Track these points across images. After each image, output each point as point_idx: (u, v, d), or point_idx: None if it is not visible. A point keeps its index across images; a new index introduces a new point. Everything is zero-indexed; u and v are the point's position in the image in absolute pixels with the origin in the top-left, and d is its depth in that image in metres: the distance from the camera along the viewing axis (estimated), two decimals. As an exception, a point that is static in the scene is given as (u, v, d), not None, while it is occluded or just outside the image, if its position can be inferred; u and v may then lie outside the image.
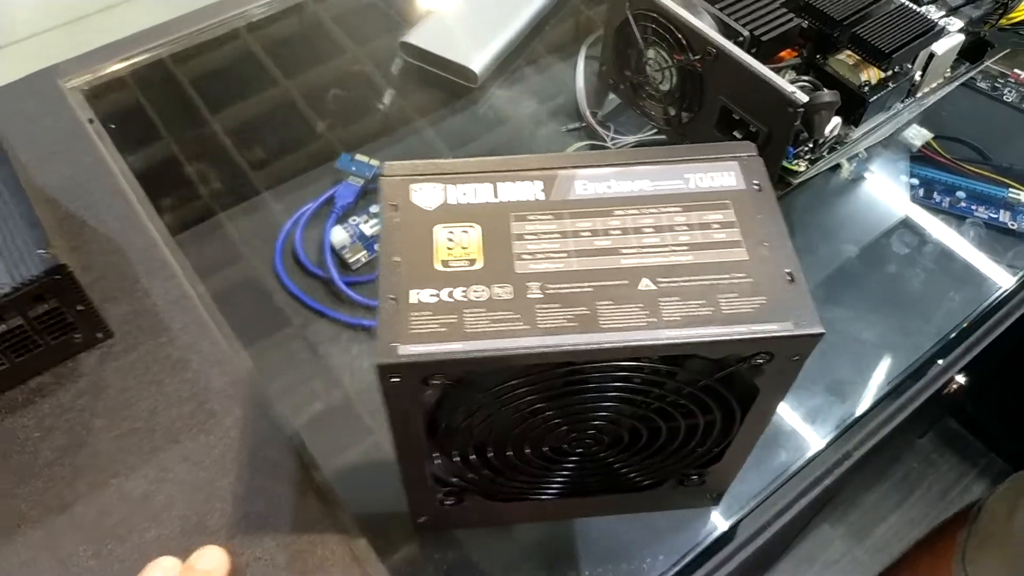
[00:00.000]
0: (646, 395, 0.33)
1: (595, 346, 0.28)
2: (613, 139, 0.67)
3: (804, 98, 0.49)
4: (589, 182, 0.32)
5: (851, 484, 1.30)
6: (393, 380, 0.30)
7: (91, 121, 0.62)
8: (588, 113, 0.68)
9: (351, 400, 0.54)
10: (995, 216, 0.67)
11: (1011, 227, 0.66)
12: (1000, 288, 0.61)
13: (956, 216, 0.66)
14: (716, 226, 0.31)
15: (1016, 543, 0.80)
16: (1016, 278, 0.62)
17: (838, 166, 0.67)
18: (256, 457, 0.48)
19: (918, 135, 0.70)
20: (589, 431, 0.36)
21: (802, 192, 0.64)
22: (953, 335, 0.59)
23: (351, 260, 0.60)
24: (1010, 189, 0.68)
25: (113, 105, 0.66)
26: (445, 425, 0.34)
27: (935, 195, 0.68)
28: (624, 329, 0.28)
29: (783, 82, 0.50)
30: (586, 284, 0.29)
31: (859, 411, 0.53)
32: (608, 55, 0.62)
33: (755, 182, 0.32)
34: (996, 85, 0.75)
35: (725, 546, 0.48)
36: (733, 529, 0.49)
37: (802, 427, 0.53)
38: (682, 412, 0.34)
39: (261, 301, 0.58)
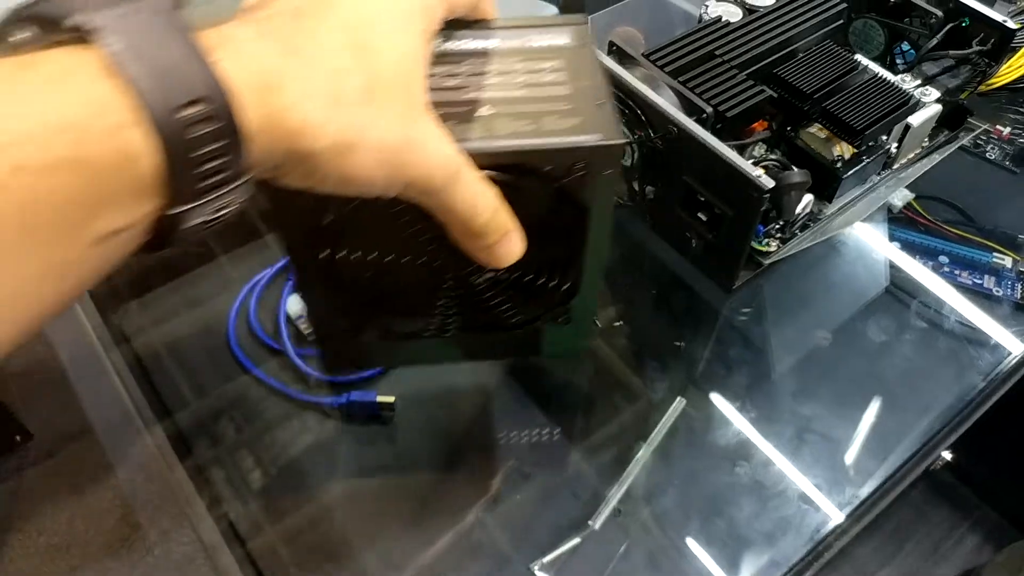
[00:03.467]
0: None
1: None
2: None
3: (769, 183, 0.46)
4: (450, 42, 0.38)
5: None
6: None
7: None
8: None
9: (304, 486, 0.50)
10: (979, 282, 0.64)
11: (996, 293, 0.63)
12: (987, 363, 0.58)
13: (939, 282, 0.63)
14: (547, 71, 0.37)
15: None
16: (1012, 348, 0.58)
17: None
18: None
19: (899, 196, 0.67)
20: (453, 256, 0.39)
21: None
22: (940, 420, 0.55)
23: (307, 332, 0.57)
24: (995, 253, 0.65)
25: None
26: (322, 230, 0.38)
27: (918, 259, 0.65)
28: (463, 140, 0.33)
29: (747, 166, 0.47)
30: (436, 111, 0.34)
31: (833, 522, 0.50)
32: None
33: (581, 41, 0.39)
34: (979, 142, 0.73)
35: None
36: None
37: (771, 544, 0.49)
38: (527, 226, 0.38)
39: (209, 383, 0.54)
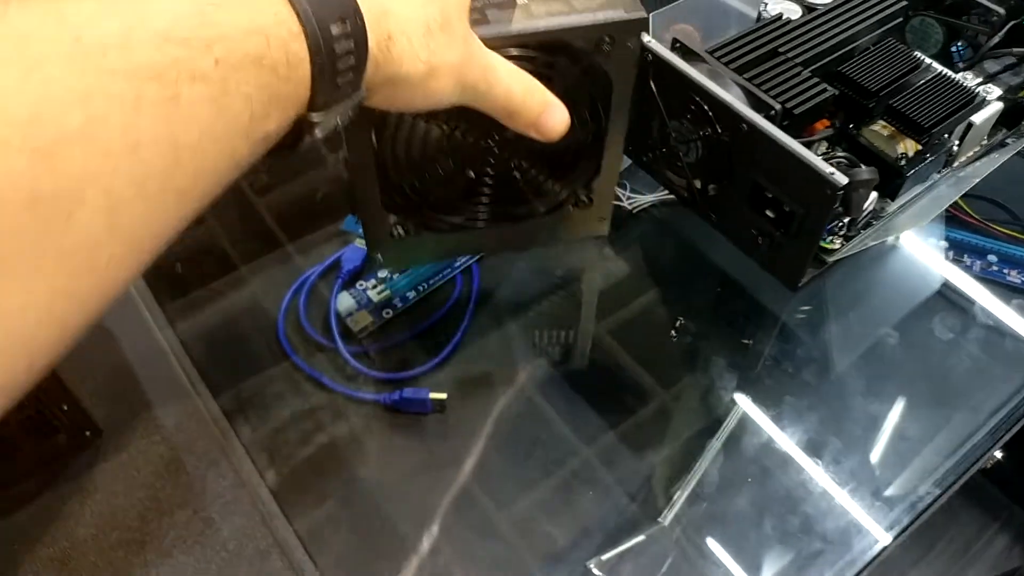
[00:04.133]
0: None
1: (486, 35, 0.38)
2: (630, 199, 0.64)
3: (843, 180, 0.46)
4: None
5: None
6: None
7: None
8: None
9: (358, 483, 0.50)
10: (1029, 280, 0.63)
11: (1046, 292, 0.63)
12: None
13: (988, 281, 0.63)
14: None
15: None
16: None
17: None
18: (258, 573, 0.44)
19: (945, 194, 0.67)
20: (491, 134, 0.47)
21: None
22: (997, 419, 0.55)
23: (357, 328, 0.57)
24: (1044, 253, 0.65)
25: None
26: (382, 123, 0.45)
27: (966, 257, 0.64)
28: (507, 22, 0.40)
29: (821, 162, 0.46)
30: (478, 3, 0.40)
31: (907, 518, 0.49)
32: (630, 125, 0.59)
33: None
34: (1025, 141, 0.72)
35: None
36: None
37: (847, 537, 0.49)
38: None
39: (265, 379, 0.54)
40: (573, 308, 0.60)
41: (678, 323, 0.57)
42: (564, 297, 0.60)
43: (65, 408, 0.46)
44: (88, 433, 0.48)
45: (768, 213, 0.51)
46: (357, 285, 0.59)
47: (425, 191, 0.49)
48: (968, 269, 0.64)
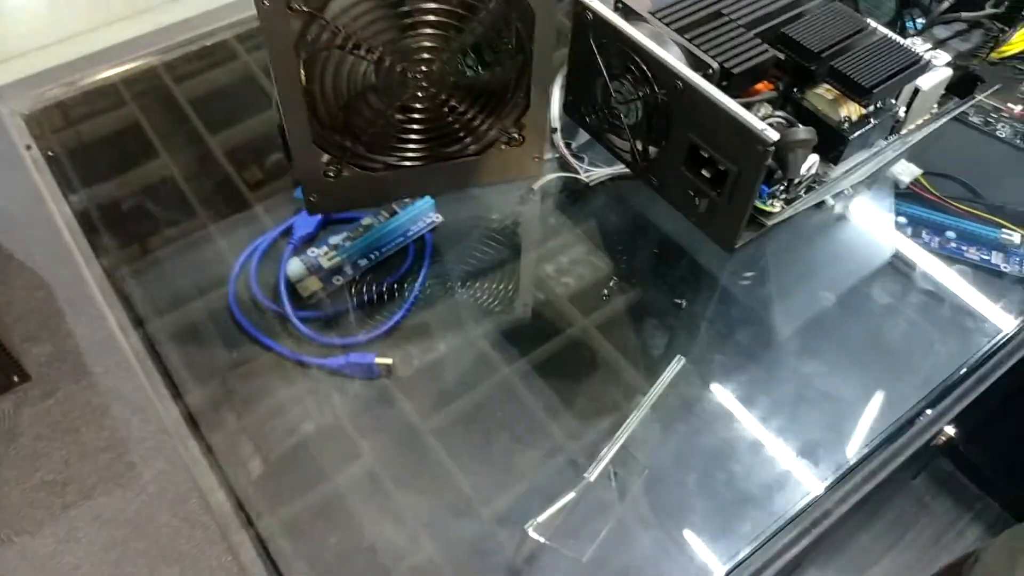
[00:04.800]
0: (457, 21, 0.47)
1: None
2: (587, 171, 0.64)
3: (774, 136, 0.45)
4: None
5: (839, 531, 1.25)
6: (263, 3, 0.42)
7: (28, 148, 0.58)
8: (562, 145, 0.65)
9: (301, 444, 0.50)
10: (987, 258, 0.63)
11: (1003, 269, 0.62)
12: (990, 337, 0.57)
13: (946, 257, 0.62)
14: None
15: None
16: (1014, 324, 0.58)
17: (822, 202, 0.63)
18: (176, 516, 0.44)
19: (906, 171, 0.67)
20: (419, 65, 0.48)
21: (782, 230, 0.61)
22: (940, 389, 0.55)
23: (307, 294, 0.57)
24: (1003, 230, 0.64)
25: (55, 131, 0.63)
26: (310, 59, 0.46)
27: (924, 234, 0.64)
28: None
29: (753, 119, 0.46)
30: None
31: (833, 476, 0.49)
32: (573, 85, 0.59)
33: None
34: (989, 120, 0.72)
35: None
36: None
37: (773, 491, 0.49)
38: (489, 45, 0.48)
39: (208, 338, 0.54)
40: (522, 278, 0.60)
41: (611, 283, 0.57)
42: (514, 267, 0.60)
43: (-9, 351, 0.46)
44: (16, 378, 0.48)
45: (704, 173, 0.51)
46: (308, 252, 0.59)
47: (355, 128, 0.50)
48: (926, 245, 0.63)
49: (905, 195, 0.66)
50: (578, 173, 0.63)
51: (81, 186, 0.60)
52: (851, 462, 0.50)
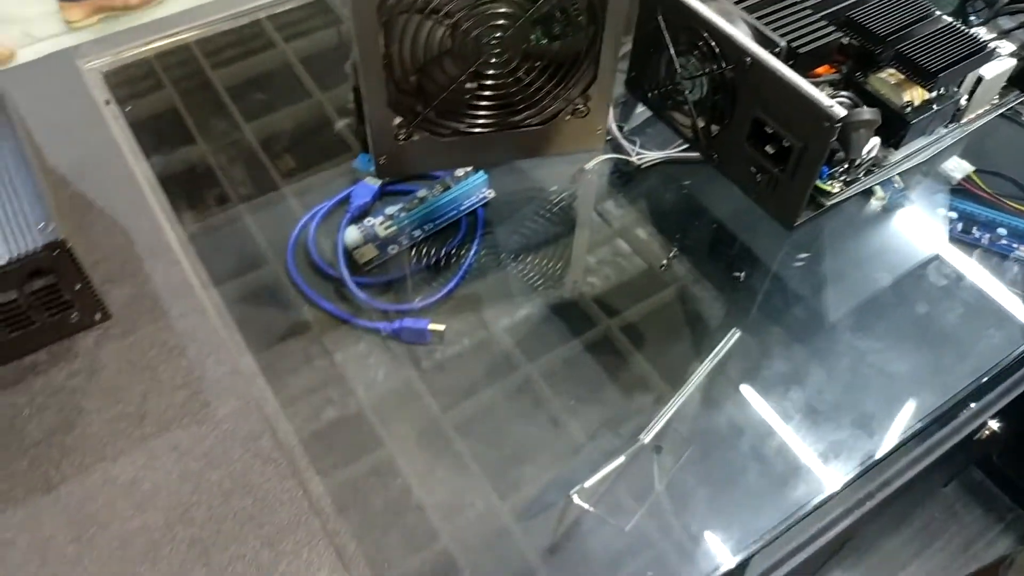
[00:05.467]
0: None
1: None
2: (639, 154, 0.65)
3: (841, 112, 0.46)
4: None
5: (869, 529, 1.25)
6: None
7: (107, 103, 0.61)
8: (615, 126, 0.66)
9: (358, 405, 0.51)
10: (1038, 255, 0.63)
11: (1053, 268, 0.62)
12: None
13: (996, 253, 0.63)
14: None
15: None
16: None
17: (871, 192, 0.64)
18: (248, 452, 0.46)
19: (958, 168, 0.67)
20: (493, 32, 0.49)
21: (834, 217, 0.61)
22: (987, 377, 0.55)
23: (363, 261, 0.58)
24: (1053, 227, 0.65)
25: (132, 89, 0.65)
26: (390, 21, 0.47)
27: (975, 230, 0.64)
28: None
29: (821, 95, 0.47)
30: None
31: (883, 450, 0.50)
32: (637, 62, 0.60)
33: None
34: (1045, 119, 0.72)
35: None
36: (743, 566, 0.46)
37: (822, 463, 0.50)
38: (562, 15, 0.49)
39: (269, 296, 0.56)
40: (573, 254, 0.62)
41: (672, 253, 0.58)
42: (564, 244, 0.61)
43: (78, 288, 0.48)
44: (98, 316, 0.50)
45: (767, 149, 0.52)
46: (365, 221, 0.61)
47: (428, 92, 0.51)
48: (976, 241, 0.64)
49: (957, 191, 0.66)
50: (629, 155, 0.65)
51: (156, 143, 0.62)
52: (902, 437, 0.50)
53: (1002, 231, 0.65)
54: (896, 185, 0.65)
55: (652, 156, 0.65)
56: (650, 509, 0.47)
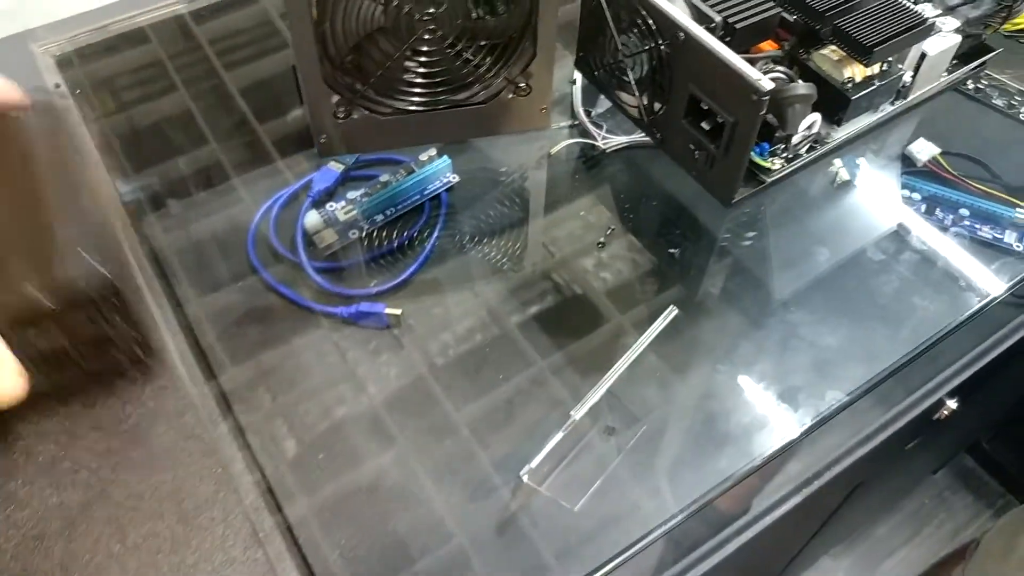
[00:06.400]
0: None
1: None
2: (604, 139, 0.65)
3: (768, 85, 0.46)
4: None
5: (857, 514, 1.25)
6: None
7: (57, 86, 0.61)
8: (581, 111, 0.66)
9: (308, 386, 0.52)
10: (999, 236, 0.63)
11: (1016, 248, 0.62)
12: (999, 313, 0.57)
13: (959, 235, 0.62)
14: None
15: None
16: (1006, 289, 0.58)
17: (831, 171, 0.63)
18: (172, 429, 0.46)
19: (924, 149, 0.67)
20: (427, 7, 0.49)
21: (787, 193, 0.61)
22: (927, 347, 0.55)
23: (322, 245, 0.59)
24: (1017, 209, 0.64)
25: (85, 73, 0.66)
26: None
27: (938, 211, 0.64)
28: None
29: (749, 68, 0.47)
30: None
31: (808, 421, 0.50)
32: (584, 41, 0.60)
33: None
34: (1013, 103, 0.72)
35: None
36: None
37: (760, 433, 0.50)
38: None
39: (227, 282, 0.56)
40: (531, 238, 0.61)
41: (608, 231, 0.58)
42: (524, 228, 0.61)
43: None
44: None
45: (703, 125, 0.52)
46: (327, 206, 0.61)
47: (365, 69, 0.51)
48: (939, 223, 0.63)
49: (921, 173, 0.66)
50: (595, 139, 0.65)
51: (106, 127, 0.63)
52: (823, 411, 0.50)
53: (964, 212, 0.64)
54: (857, 164, 0.65)
55: (618, 141, 0.65)
56: (602, 487, 0.47)
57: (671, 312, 0.54)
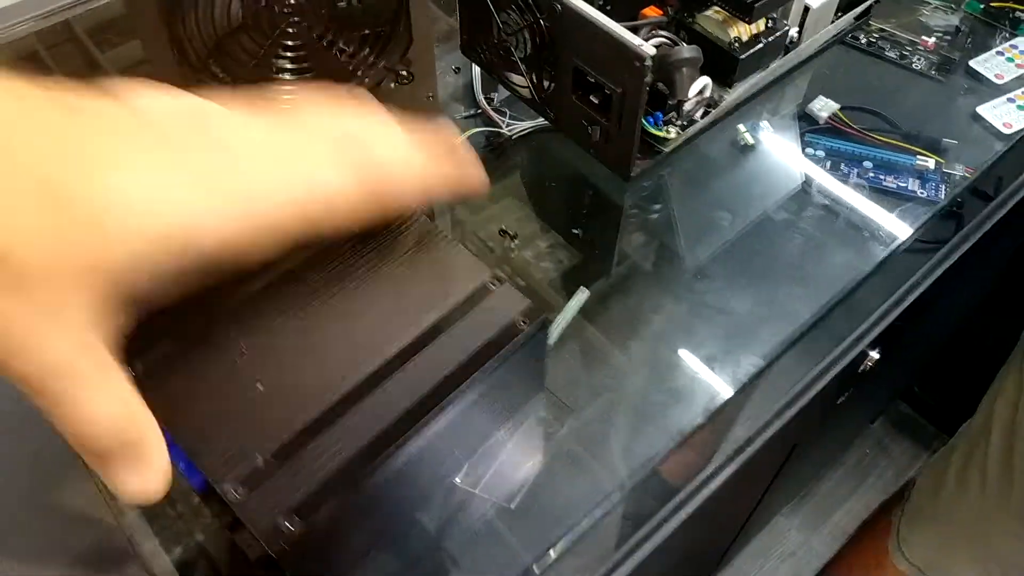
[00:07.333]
0: None
1: None
2: (509, 125, 0.63)
3: (651, 51, 0.45)
4: None
5: (802, 473, 1.27)
6: None
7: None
8: (483, 99, 0.64)
9: None
10: (904, 185, 0.63)
11: (920, 195, 0.62)
12: (910, 260, 0.57)
13: (863, 187, 0.62)
14: None
15: (943, 518, 0.77)
16: (933, 254, 0.58)
17: (735, 135, 0.63)
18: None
19: (825, 107, 0.67)
20: (289, 6, 0.46)
21: (687, 161, 0.60)
22: (839, 300, 0.55)
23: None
24: (918, 156, 0.65)
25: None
26: None
27: (842, 166, 0.64)
28: None
29: (629, 35, 0.46)
30: None
31: (729, 392, 0.49)
32: (465, 23, 0.58)
33: None
34: (904, 53, 0.72)
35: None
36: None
37: (676, 410, 0.48)
38: None
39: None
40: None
41: (514, 219, 0.57)
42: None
43: None
44: None
45: (592, 99, 0.51)
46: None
47: (230, 71, 0.48)
48: (844, 177, 0.63)
49: (824, 130, 0.66)
50: (500, 127, 0.63)
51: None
52: (740, 378, 0.49)
53: (868, 164, 0.64)
54: (762, 127, 0.64)
55: (523, 126, 0.63)
56: (537, 481, 0.46)
57: (581, 293, 0.52)
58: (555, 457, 0.47)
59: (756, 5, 0.50)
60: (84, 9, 0.66)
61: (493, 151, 0.63)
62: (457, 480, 0.45)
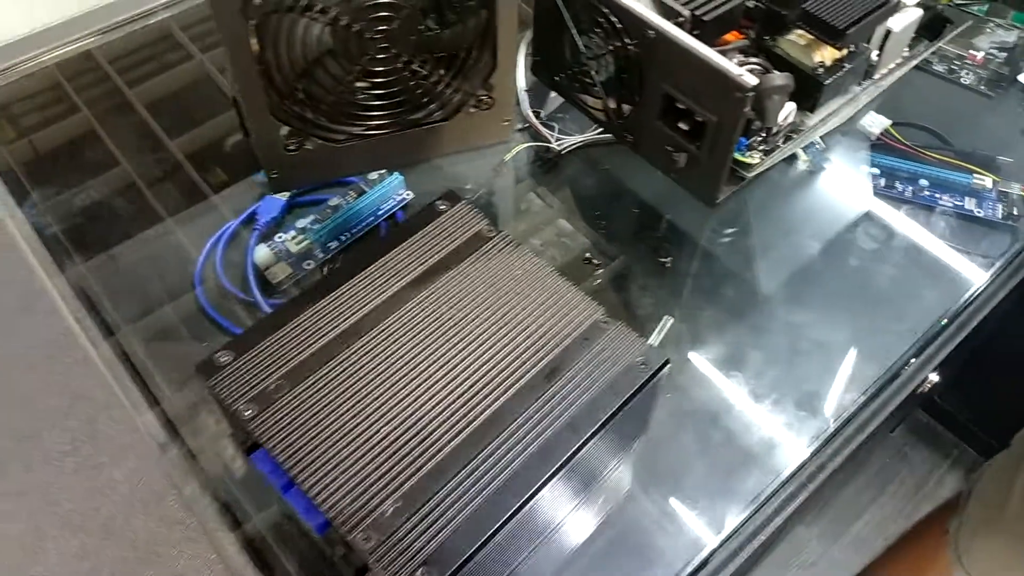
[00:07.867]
0: None
1: None
2: (558, 139, 0.62)
3: (753, 81, 0.44)
4: None
5: (823, 494, 1.27)
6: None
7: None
8: (531, 113, 0.63)
9: None
10: (960, 204, 0.63)
11: (977, 215, 0.62)
12: (972, 282, 0.57)
13: (921, 206, 0.62)
14: None
15: (1010, 528, 0.76)
16: (989, 271, 0.57)
17: (794, 157, 0.62)
18: (152, 517, 0.42)
19: (875, 123, 0.66)
20: (376, 24, 0.45)
21: (758, 186, 0.60)
22: (925, 334, 0.54)
23: (275, 281, 0.54)
24: (974, 175, 0.64)
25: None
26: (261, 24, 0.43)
27: (897, 184, 0.63)
28: None
29: (730, 64, 0.45)
30: None
31: (832, 426, 0.48)
32: (540, 45, 0.57)
33: None
34: (953, 67, 0.72)
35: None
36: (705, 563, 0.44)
37: (772, 448, 0.48)
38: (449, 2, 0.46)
39: (178, 333, 0.52)
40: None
41: (593, 246, 0.56)
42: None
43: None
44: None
45: (681, 126, 0.50)
46: (275, 237, 0.56)
47: (315, 97, 0.47)
48: (900, 195, 0.63)
49: (876, 146, 0.65)
50: (549, 141, 0.61)
51: (29, 182, 0.57)
52: (848, 412, 0.49)
53: (924, 183, 0.64)
54: (818, 147, 0.64)
55: (572, 141, 0.62)
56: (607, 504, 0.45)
57: (667, 322, 0.51)
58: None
59: (849, 31, 0.50)
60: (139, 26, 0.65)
61: (543, 166, 0.62)
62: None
